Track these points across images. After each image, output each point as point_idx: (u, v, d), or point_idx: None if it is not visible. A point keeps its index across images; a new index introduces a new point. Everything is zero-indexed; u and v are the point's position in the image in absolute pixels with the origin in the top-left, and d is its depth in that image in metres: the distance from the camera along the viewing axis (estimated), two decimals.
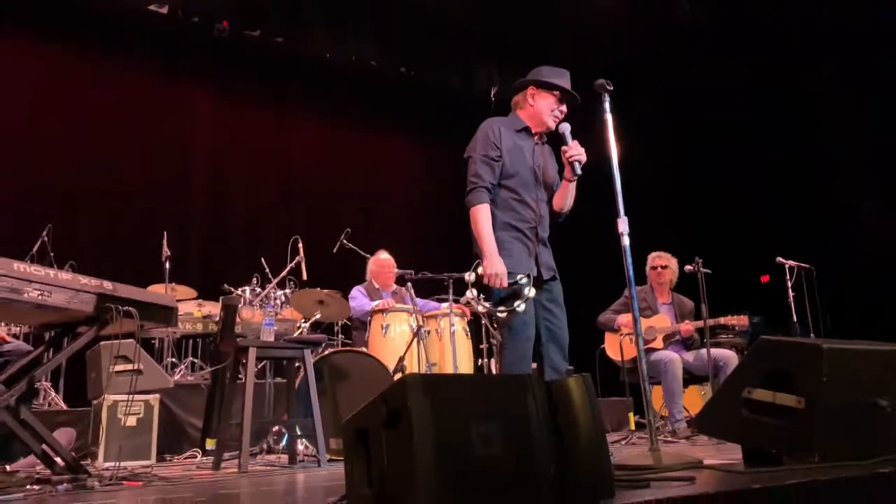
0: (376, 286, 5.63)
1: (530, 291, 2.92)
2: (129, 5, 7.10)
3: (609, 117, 2.95)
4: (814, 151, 7.22)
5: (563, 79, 3.24)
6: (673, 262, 5.38)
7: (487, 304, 2.97)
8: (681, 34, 7.78)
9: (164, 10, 7.26)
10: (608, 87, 2.95)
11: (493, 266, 2.90)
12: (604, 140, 2.93)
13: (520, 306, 2.88)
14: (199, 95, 7.90)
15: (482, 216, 2.99)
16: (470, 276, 2.99)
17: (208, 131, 7.84)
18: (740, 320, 5.06)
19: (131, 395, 3.81)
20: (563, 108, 3.22)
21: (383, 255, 5.71)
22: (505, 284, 2.89)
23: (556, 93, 3.20)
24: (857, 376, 2.30)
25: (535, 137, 3.25)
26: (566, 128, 3.15)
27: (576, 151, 3.08)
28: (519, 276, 2.94)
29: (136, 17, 7.23)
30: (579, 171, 3.12)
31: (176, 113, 7.68)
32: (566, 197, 3.23)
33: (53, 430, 3.91)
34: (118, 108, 7.26)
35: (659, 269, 5.36)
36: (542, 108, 3.20)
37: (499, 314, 2.92)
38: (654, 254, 5.44)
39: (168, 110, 7.60)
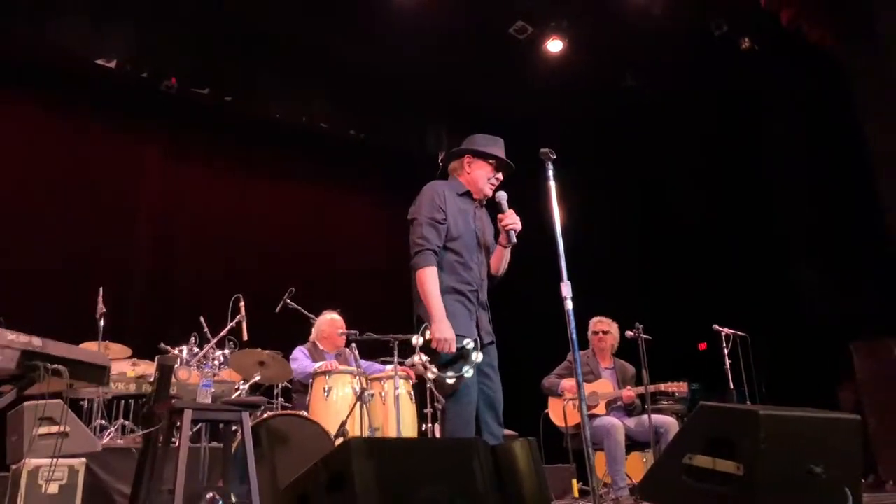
0: (320, 347, 5.53)
1: (477, 356, 2.91)
2: (76, 58, 7.02)
3: (552, 184, 3.05)
4: (751, 219, 7.54)
5: (498, 147, 3.35)
6: (614, 328, 5.46)
7: (436, 371, 2.95)
8: (624, 102, 8.13)
9: (112, 64, 7.20)
10: (552, 156, 3.06)
11: (442, 331, 2.89)
12: (547, 206, 3.00)
13: (468, 372, 2.87)
14: (146, 151, 7.78)
15: (430, 279, 2.99)
16: (418, 340, 2.96)
17: (154, 187, 7.72)
18: (680, 387, 5.14)
19: (55, 460, 3.60)
20: (500, 175, 3.32)
21: (336, 315, 5.64)
22: (454, 349, 2.88)
23: (492, 161, 3.29)
24: (793, 443, 2.36)
25: (475, 202, 3.32)
26: (503, 196, 3.24)
27: (511, 220, 3.17)
28: (466, 341, 2.93)
29: (83, 70, 7.15)
30: (514, 240, 3.20)
31: (120, 167, 7.54)
32: (501, 261, 3.31)
33: None
34: (60, 159, 7.11)
35: (600, 334, 5.42)
36: (479, 176, 3.29)
37: (447, 381, 2.89)
38: (595, 319, 5.51)
39: (112, 164, 7.46)
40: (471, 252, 3.16)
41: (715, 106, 7.79)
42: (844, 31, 6.38)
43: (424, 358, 2.98)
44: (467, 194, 3.29)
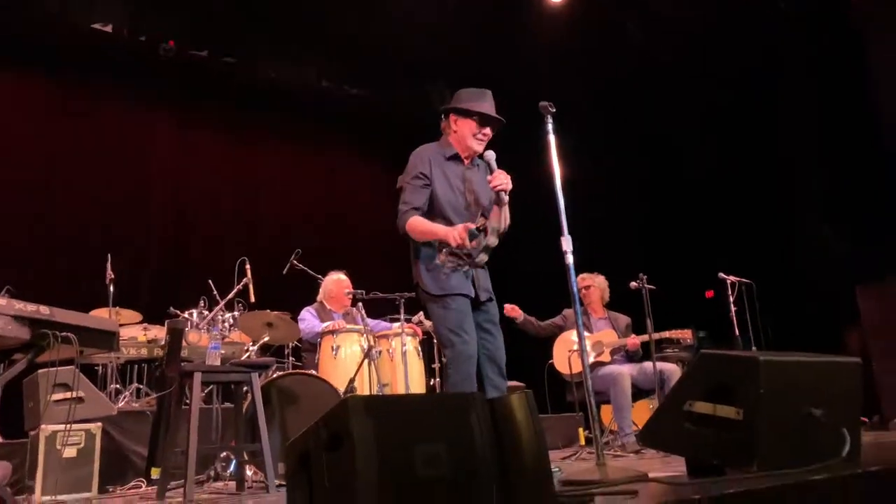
0: (327, 307, 5.58)
1: (487, 239, 3.00)
2: (72, 24, 6.95)
3: (552, 138, 3.01)
4: (755, 167, 7.47)
5: (483, 101, 3.28)
6: (598, 280, 5.54)
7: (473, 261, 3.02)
8: (627, 54, 7.98)
9: (108, 28, 7.13)
10: (551, 109, 3.02)
11: (452, 233, 2.95)
12: (547, 160, 2.98)
13: (479, 243, 2.99)
14: (150, 116, 7.76)
15: (418, 223, 3.10)
16: (441, 258, 3.04)
17: (159, 151, 7.72)
18: (684, 334, 5.18)
19: (69, 425, 3.69)
20: (487, 130, 3.26)
21: (342, 276, 5.67)
22: (466, 237, 2.94)
23: (476, 117, 3.24)
24: (793, 387, 2.38)
25: (466, 161, 3.31)
26: (491, 156, 3.18)
27: (500, 181, 3.10)
28: (475, 224, 3.00)
29: (81, 37, 7.08)
30: (505, 200, 3.15)
31: (124, 133, 7.54)
32: (499, 220, 3.26)
33: None
34: (64, 128, 7.11)
35: (583, 290, 5.48)
36: (465, 133, 3.26)
37: (477, 262, 3.05)
38: (578, 276, 5.53)
39: (116, 130, 7.47)
40: (460, 215, 3.19)
41: (719, 54, 7.63)
42: None
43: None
44: (456, 157, 3.29)
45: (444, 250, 3.03)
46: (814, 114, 6.99)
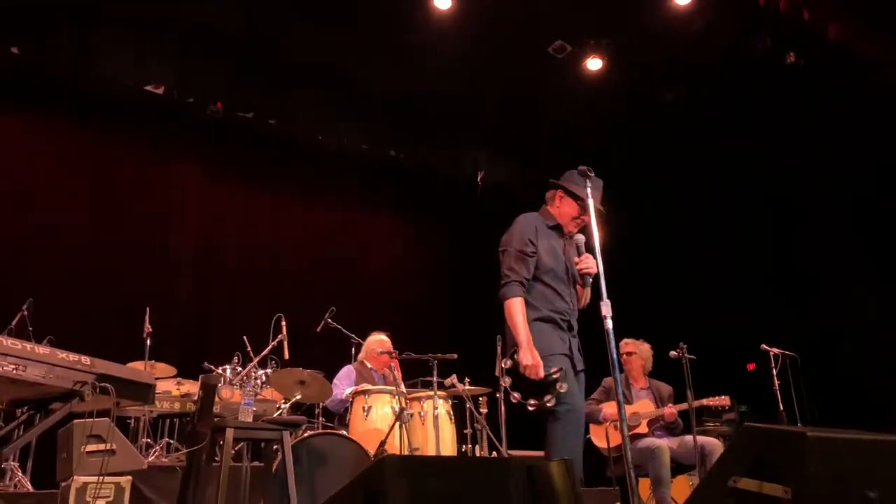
0: (368, 366, 5.59)
1: (562, 387, 2.99)
2: (126, 85, 7.26)
3: (591, 202, 3.03)
4: (799, 239, 7.36)
5: (593, 189, 3.32)
6: (642, 348, 5.35)
7: (518, 397, 3.02)
8: (664, 119, 8.03)
9: (161, 90, 7.43)
10: (590, 174, 3.05)
11: (528, 357, 3.01)
12: (587, 223, 2.99)
13: (551, 401, 2.95)
14: (190, 175, 7.97)
15: (516, 309, 3.13)
16: (507, 364, 3.09)
17: (197, 210, 7.89)
18: (723, 401, 5.00)
19: (101, 477, 3.67)
20: (585, 217, 3.35)
21: (382, 336, 5.71)
22: (541, 375, 2.98)
23: (581, 203, 3.35)
24: (844, 466, 2.26)
25: (565, 234, 3.44)
26: (581, 240, 3.31)
27: (586, 265, 3.25)
28: (553, 370, 3.02)
29: (132, 97, 7.38)
30: (589, 282, 3.31)
31: (165, 191, 7.74)
32: (581, 297, 3.45)
33: None
34: (108, 183, 7.33)
35: (625, 356, 5.33)
36: (566, 213, 3.42)
37: (529, 407, 3.01)
38: (623, 341, 5.39)
39: (158, 188, 7.67)
40: (561, 283, 3.30)
41: (757, 122, 7.65)
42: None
43: (509, 380, 3.07)
44: (557, 227, 3.42)
45: (513, 356, 3.06)
46: (861, 184, 6.90)
